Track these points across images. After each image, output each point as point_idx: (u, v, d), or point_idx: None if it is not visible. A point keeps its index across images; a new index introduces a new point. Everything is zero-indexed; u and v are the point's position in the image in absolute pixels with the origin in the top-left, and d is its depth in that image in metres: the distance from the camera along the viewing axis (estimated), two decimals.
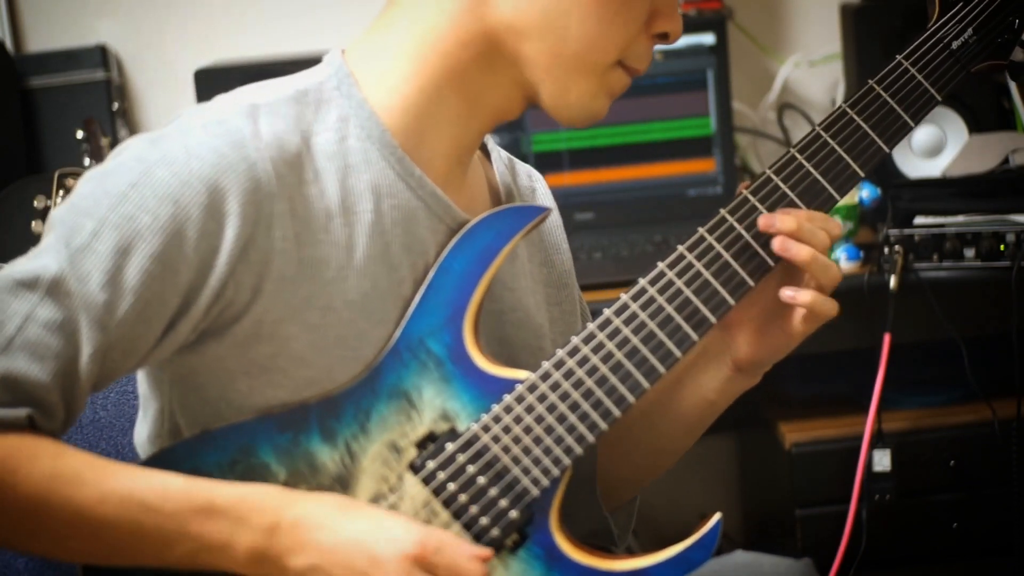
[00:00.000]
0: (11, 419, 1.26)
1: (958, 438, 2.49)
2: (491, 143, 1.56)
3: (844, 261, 2.50)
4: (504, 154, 1.58)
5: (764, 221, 1.42)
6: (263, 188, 1.31)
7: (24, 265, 1.29)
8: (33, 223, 2.30)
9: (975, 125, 2.70)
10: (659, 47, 2.70)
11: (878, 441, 2.39)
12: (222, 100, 1.37)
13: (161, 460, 1.36)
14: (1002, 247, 2.37)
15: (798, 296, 1.43)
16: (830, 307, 1.45)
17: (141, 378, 1.44)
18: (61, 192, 2.29)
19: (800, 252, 1.41)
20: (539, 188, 1.60)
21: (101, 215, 1.29)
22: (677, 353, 1.40)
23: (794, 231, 1.41)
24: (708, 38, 2.78)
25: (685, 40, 2.77)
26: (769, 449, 2.66)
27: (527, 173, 1.60)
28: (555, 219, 1.59)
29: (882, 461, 2.40)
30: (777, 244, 1.41)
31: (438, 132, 1.41)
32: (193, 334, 1.34)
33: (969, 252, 2.39)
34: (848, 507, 2.35)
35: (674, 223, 2.75)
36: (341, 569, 1.27)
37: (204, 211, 1.29)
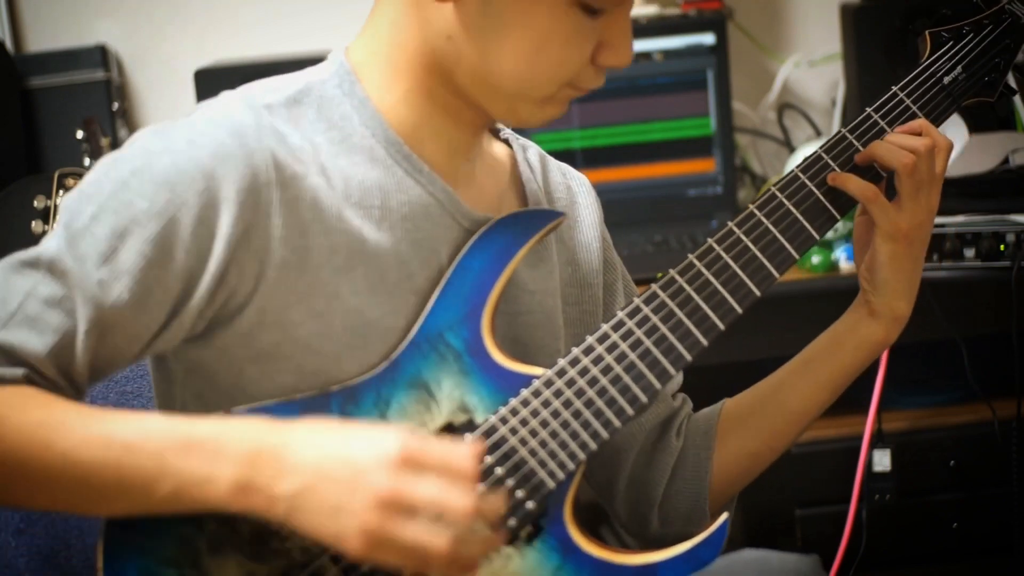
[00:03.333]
0: (9, 376, 1.29)
1: (958, 438, 2.49)
2: (517, 140, 1.57)
3: (844, 261, 2.50)
4: (536, 151, 1.59)
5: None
6: (261, 176, 1.33)
7: (31, 249, 1.33)
8: (33, 223, 2.30)
9: (975, 125, 2.69)
10: (659, 47, 2.74)
11: (878, 441, 2.39)
12: (228, 96, 1.39)
13: None
14: (1002, 247, 2.37)
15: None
16: (899, 156, 1.51)
17: (154, 379, 1.45)
18: (61, 192, 2.29)
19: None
20: (574, 185, 1.60)
21: (102, 200, 1.32)
22: (688, 356, 1.42)
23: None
24: (708, 38, 2.78)
25: (685, 40, 2.78)
26: None
27: (560, 170, 1.60)
28: (589, 218, 1.60)
29: (882, 461, 2.39)
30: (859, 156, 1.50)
31: (435, 135, 1.42)
32: (201, 322, 1.35)
33: (969, 252, 2.38)
34: (848, 507, 2.35)
35: (674, 223, 2.76)
36: (328, 483, 1.23)
37: (199, 197, 1.31)
